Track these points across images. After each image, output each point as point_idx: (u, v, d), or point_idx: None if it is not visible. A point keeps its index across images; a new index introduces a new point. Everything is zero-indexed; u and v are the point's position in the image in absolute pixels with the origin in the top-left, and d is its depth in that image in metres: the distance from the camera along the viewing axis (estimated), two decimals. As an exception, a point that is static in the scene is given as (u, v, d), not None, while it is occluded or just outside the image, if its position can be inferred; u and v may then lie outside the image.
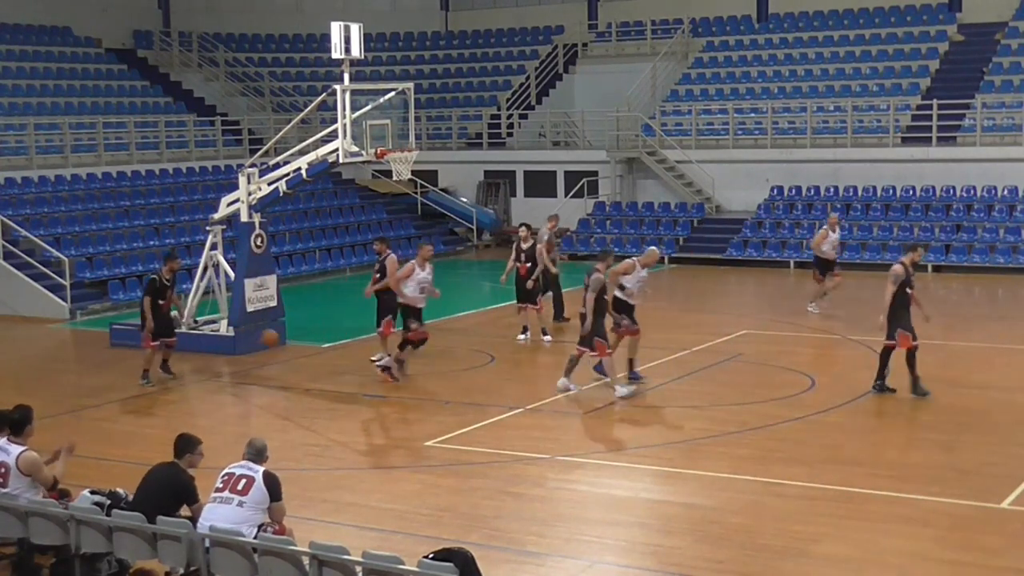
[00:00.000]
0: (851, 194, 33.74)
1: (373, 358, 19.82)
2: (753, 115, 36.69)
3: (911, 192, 33.03)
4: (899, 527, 12.00)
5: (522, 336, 22.37)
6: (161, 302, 19.21)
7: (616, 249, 34.15)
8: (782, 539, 11.76)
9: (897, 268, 16.93)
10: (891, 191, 33.28)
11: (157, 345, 19.30)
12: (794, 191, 34.47)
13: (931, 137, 33.36)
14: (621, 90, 37.72)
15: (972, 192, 32.28)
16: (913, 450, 14.83)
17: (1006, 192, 31.91)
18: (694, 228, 34.66)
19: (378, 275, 20.05)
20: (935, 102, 33.49)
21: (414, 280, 19.09)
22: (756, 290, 29.80)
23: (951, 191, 32.54)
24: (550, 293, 23.86)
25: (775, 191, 34.64)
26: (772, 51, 39.38)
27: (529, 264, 22.54)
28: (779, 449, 14.92)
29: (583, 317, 17.54)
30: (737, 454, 14.67)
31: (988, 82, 34.85)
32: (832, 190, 33.97)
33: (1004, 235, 30.69)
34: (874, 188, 33.51)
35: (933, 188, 32.77)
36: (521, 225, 23.72)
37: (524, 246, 22.73)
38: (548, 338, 22.29)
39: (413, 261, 19.49)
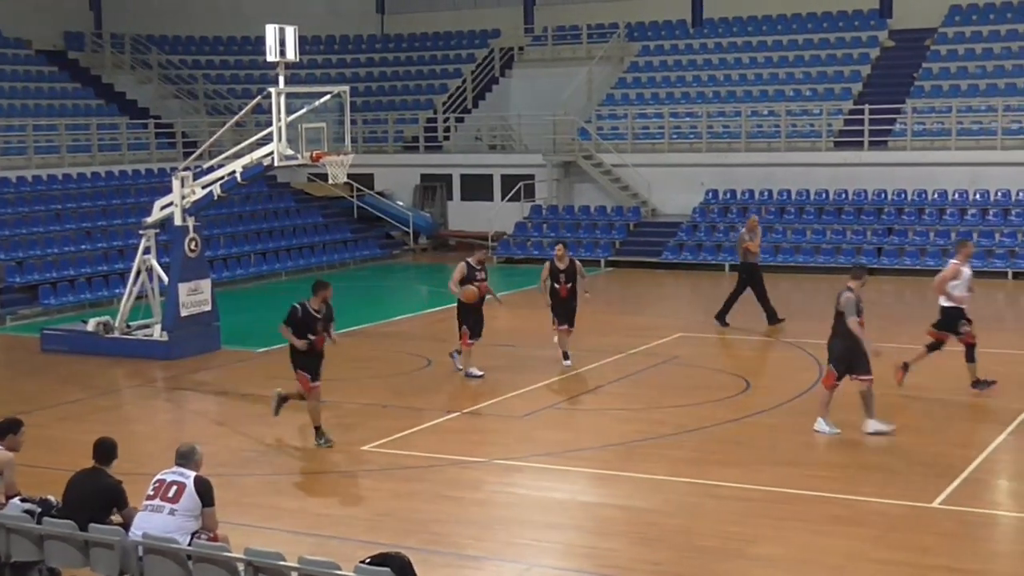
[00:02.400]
0: (785, 198, 34.03)
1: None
2: (688, 119, 36.92)
3: (844, 196, 33.38)
4: (834, 527, 12.11)
5: (567, 362, 20.17)
6: (312, 337, 15.46)
7: (550, 252, 34.37)
8: (719, 540, 11.82)
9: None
10: (824, 195, 33.61)
11: (318, 386, 15.88)
12: (729, 195, 34.71)
13: (863, 141, 33.75)
14: (557, 94, 37.82)
15: (903, 196, 32.68)
16: (848, 451, 14.97)
17: (936, 196, 32.34)
18: (630, 231, 34.80)
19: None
20: (867, 107, 33.89)
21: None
22: (692, 293, 29.97)
23: (883, 195, 32.93)
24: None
25: (710, 194, 34.87)
26: (707, 56, 39.66)
27: (570, 284, 20.41)
28: (716, 451, 15.00)
29: (832, 342, 15.69)
30: (674, 456, 14.73)
31: (918, 87, 35.31)
32: (766, 193, 34.25)
33: (934, 238, 31.10)
34: (807, 192, 33.82)
35: (865, 192, 33.14)
36: (558, 243, 21.13)
37: (561, 266, 20.34)
38: (568, 362, 20.23)
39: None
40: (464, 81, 41.88)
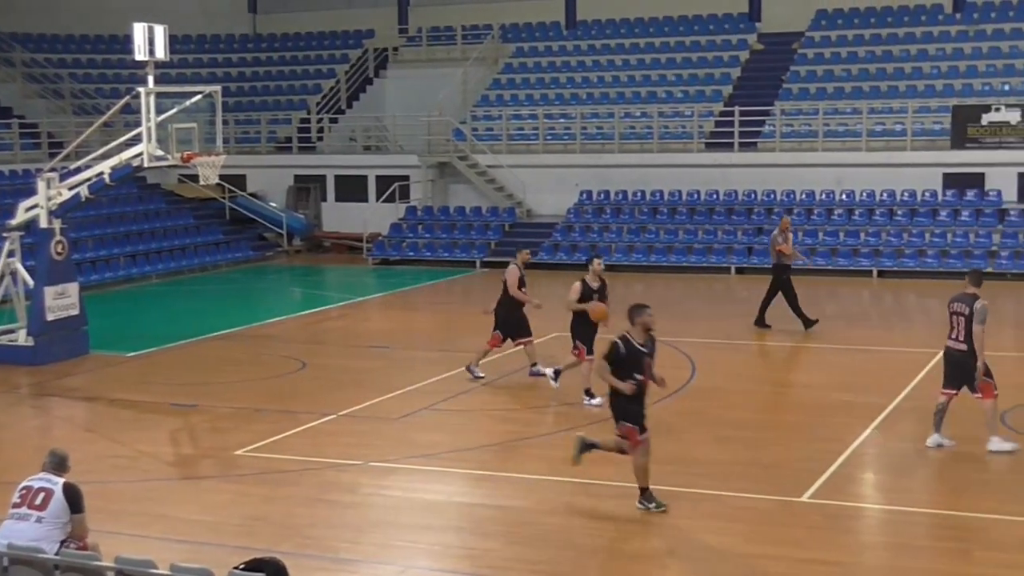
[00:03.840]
0: (658, 198, 34.43)
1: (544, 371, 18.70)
2: (562, 120, 37.16)
3: (715, 196, 33.89)
4: (708, 523, 12.27)
5: (596, 400, 16.88)
6: (639, 377, 12.78)
7: (428, 254, 34.40)
8: (595, 538, 11.90)
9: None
10: (696, 195, 34.08)
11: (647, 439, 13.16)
12: (603, 195, 35.01)
13: (733, 143, 34.32)
14: (432, 94, 37.76)
15: (772, 196, 33.29)
16: (721, 448, 15.18)
17: (804, 196, 33.01)
18: (505, 232, 34.90)
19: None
20: (737, 109, 34.46)
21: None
22: (567, 293, 30.08)
23: (753, 195, 33.50)
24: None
25: (584, 195, 35.13)
26: (580, 57, 39.96)
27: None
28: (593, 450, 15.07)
29: (949, 354, 14.55)
30: (551, 455, 14.79)
31: (786, 90, 36.01)
32: (639, 194, 34.62)
33: (802, 238, 31.69)
34: (680, 192, 34.26)
35: (736, 192, 33.68)
36: (594, 257, 18.03)
37: (595, 284, 17.63)
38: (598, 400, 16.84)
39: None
40: (338, 81, 41.63)
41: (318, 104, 40.83)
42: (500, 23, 41.52)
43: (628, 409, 12.65)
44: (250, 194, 37.75)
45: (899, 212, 31.87)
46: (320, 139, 39.91)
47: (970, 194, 31.77)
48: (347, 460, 14.79)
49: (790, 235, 23.58)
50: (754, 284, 29.87)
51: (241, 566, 8.82)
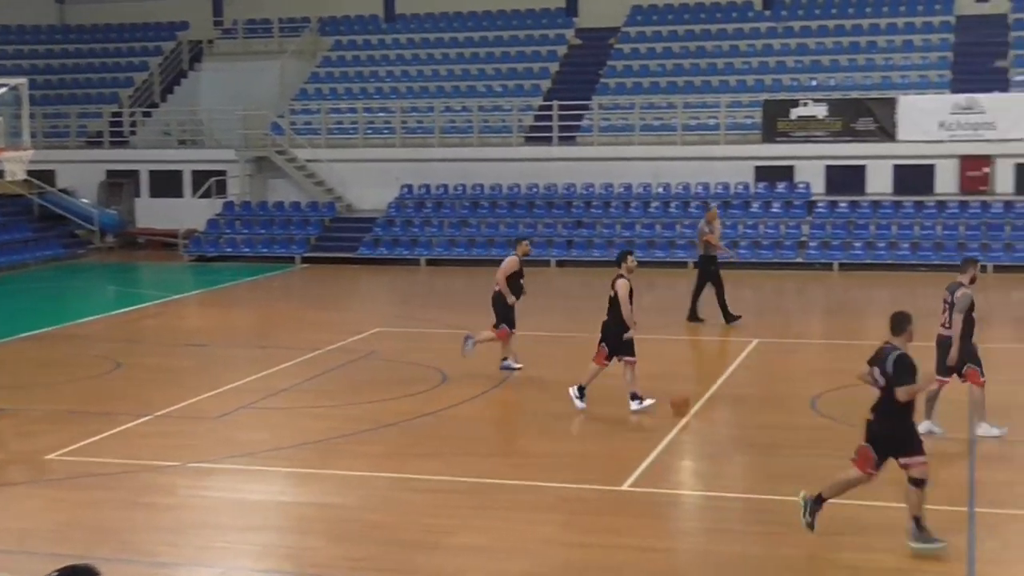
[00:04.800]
0: (479, 192, 34.57)
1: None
2: (383, 114, 37.01)
3: (535, 190, 34.18)
4: (530, 514, 12.35)
5: (648, 401, 16.30)
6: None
7: (247, 250, 33.88)
8: (418, 533, 11.87)
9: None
10: (516, 189, 34.33)
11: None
12: (424, 190, 34.99)
13: (552, 137, 34.66)
14: (249, 88, 37.25)
15: (591, 189, 33.74)
16: (543, 439, 15.30)
17: (622, 189, 33.54)
18: (325, 227, 34.60)
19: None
20: (555, 103, 34.82)
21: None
22: (389, 288, 30.06)
23: (572, 189, 33.89)
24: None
25: (405, 190, 35.06)
26: (400, 51, 39.85)
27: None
28: (414, 444, 15.06)
29: (940, 341, 14.56)
30: (372, 452, 14.71)
31: (604, 84, 36.52)
32: (460, 188, 34.71)
33: (620, 230, 32.25)
34: (500, 186, 34.46)
35: (555, 186, 34.04)
36: (627, 254, 16.62)
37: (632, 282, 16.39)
38: (647, 402, 16.32)
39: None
40: (151, 74, 40.74)
41: (130, 97, 39.85)
42: (318, 16, 41.19)
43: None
44: (60, 190, 36.63)
45: (713, 204, 32.56)
46: (133, 133, 38.97)
47: (780, 186, 32.71)
48: (165, 461, 14.44)
49: (717, 225, 23.49)
50: (577, 276, 30.26)
51: (54, 574, 8.53)
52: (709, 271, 22.91)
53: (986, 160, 31.66)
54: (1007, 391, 16.79)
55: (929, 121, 32.00)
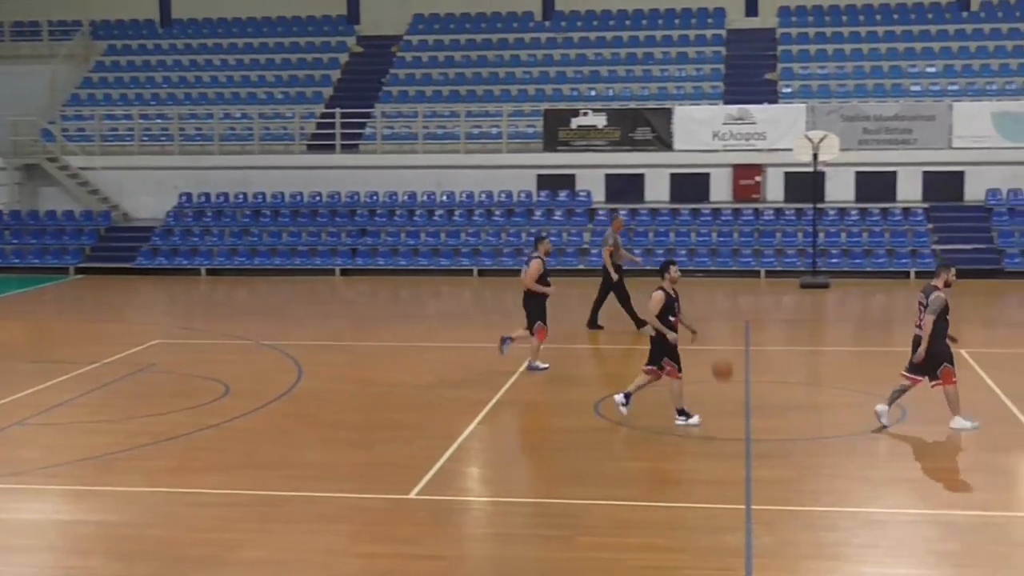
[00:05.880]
0: (260, 200, 34.07)
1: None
2: (160, 121, 36.15)
3: (318, 198, 33.88)
4: (317, 526, 12.19)
5: (693, 419, 15.71)
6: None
7: (16, 261, 32.59)
8: (201, 548, 11.58)
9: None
10: (299, 197, 33.96)
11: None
12: (204, 198, 34.30)
13: (335, 145, 34.43)
14: (18, 93, 35.86)
15: (375, 197, 33.62)
16: (328, 449, 15.14)
17: (406, 197, 33.52)
18: (101, 237, 33.57)
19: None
20: (338, 111, 34.61)
21: None
22: (168, 299, 29.31)
23: (356, 197, 33.72)
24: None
25: (184, 198, 34.30)
26: (177, 56, 39.00)
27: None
28: (196, 458, 14.71)
29: (917, 341, 15.06)
30: (152, 467, 14.30)
31: (387, 92, 36.47)
32: (241, 196, 34.14)
33: (405, 238, 32.22)
34: (283, 194, 34.04)
35: (339, 194, 33.80)
36: (669, 264, 15.72)
37: (673, 294, 15.66)
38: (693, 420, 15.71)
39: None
40: (-90, 78, 38.80)
41: None
42: (90, 19, 39.99)
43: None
44: None
45: (496, 212, 32.91)
46: None
47: (562, 195, 33.21)
48: (-72, 483, 13.74)
49: (619, 236, 23.35)
50: (358, 285, 30.10)
51: None
52: (611, 281, 22.79)
53: (758, 169, 32.78)
54: (781, 392, 17.40)
55: (703, 131, 32.98)
